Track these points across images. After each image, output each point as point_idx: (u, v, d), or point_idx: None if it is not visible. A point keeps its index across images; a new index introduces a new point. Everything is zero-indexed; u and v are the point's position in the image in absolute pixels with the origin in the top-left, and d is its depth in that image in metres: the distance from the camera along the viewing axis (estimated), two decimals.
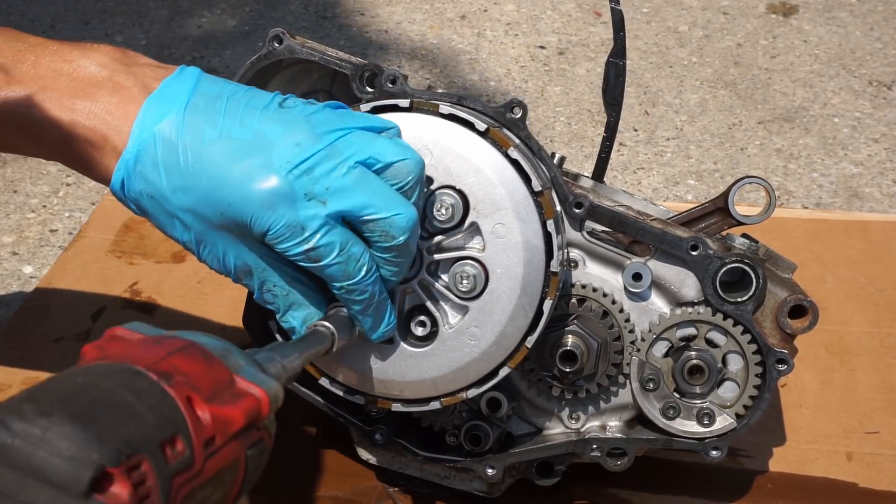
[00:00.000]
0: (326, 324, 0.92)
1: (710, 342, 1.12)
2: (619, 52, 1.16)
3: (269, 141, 0.88)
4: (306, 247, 0.88)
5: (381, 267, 0.93)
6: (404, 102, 1.02)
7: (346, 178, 0.88)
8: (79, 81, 0.93)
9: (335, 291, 0.93)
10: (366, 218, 0.89)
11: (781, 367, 1.11)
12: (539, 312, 1.02)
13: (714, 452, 1.14)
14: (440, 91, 1.08)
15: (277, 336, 1.08)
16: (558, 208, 1.06)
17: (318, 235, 0.88)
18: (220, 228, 0.90)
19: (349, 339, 0.95)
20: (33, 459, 0.59)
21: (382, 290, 0.93)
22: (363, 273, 0.90)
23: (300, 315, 0.96)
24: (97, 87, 0.92)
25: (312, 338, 0.91)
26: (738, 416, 1.13)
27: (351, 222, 0.90)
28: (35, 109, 0.92)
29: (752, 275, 1.09)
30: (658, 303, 1.12)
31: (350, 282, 0.90)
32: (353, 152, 0.89)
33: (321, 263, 0.89)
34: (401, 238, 0.90)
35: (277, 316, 0.97)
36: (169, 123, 0.89)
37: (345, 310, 0.96)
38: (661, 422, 1.13)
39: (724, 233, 1.15)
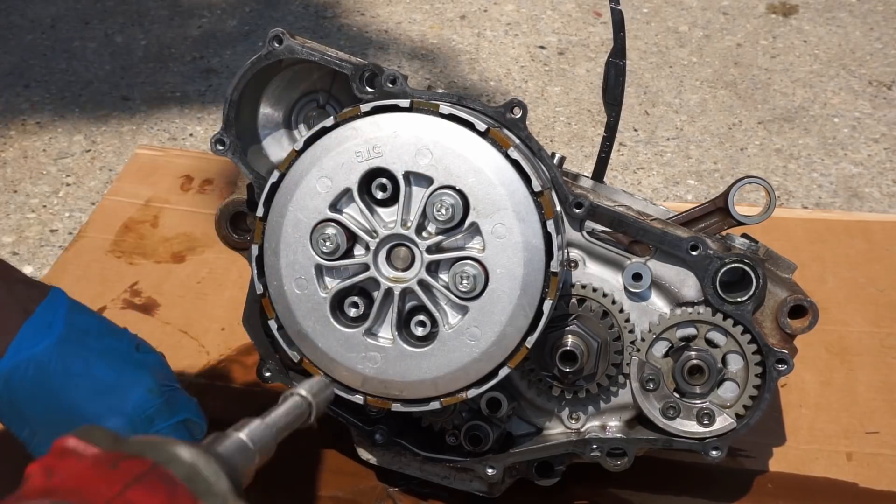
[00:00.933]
0: (303, 392, 0.83)
1: (710, 342, 1.12)
2: (619, 52, 1.16)
3: (124, 387, 1.02)
4: None
5: None
6: (404, 102, 1.02)
7: (171, 431, 1.03)
8: None
9: None
10: None
11: (781, 367, 1.10)
12: (539, 312, 1.02)
13: (714, 452, 1.14)
14: (440, 91, 1.07)
15: (277, 335, 1.08)
16: (558, 208, 1.06)
17: None
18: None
19: (326, 406, 0.87)
20: None
21: None
22: None
23: None
24: None
25: (289, 411, 0.83)
26: (738, 416, 1.13)
27: None
28: None
29: (752, 275, 1.08)
30: (658, 303, 1.12)
31: None
32: (179, 409, 1.05)
33: None
34: None
35: None
36: (44, 351, 1.01)
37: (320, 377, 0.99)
38: (661, 422, 1.13)
39: (724, 233, 1.15)
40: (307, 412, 0.82)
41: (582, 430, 1.16)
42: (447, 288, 1.02)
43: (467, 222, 1.00)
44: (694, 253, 1.09)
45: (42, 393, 1.01)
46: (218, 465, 0.67)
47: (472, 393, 1.05)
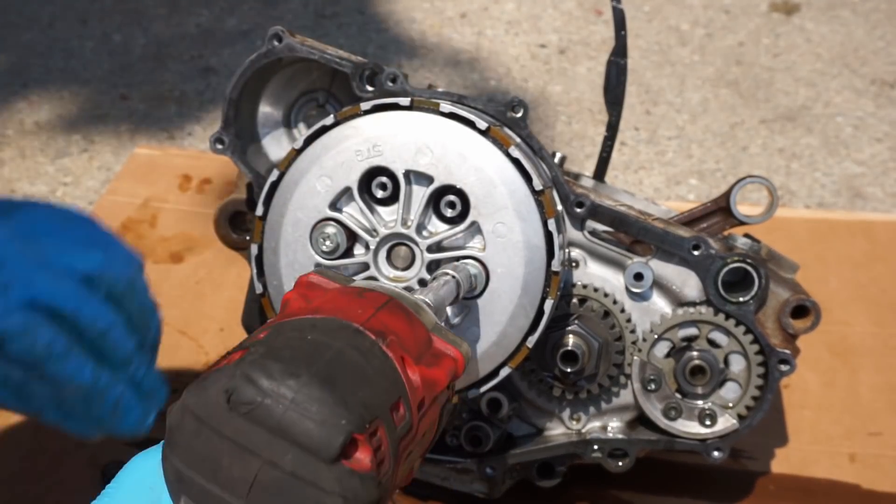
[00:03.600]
0: (450, 272, 0.93)
1: (712, 342, 1.11)
2: (620, 50, 1.15)
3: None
4: None
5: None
6: (405, 101, 1.02)
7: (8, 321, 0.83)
8: None
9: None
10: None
11: (784, 368, 1.10)
12: (540, 312, 1.01)
13: (716, 453, 1.13)
14: (441, 90, 1.07)
15: None
16: (559, 207, 1.06)
17: None
18: None
19: (477, 292, 0.98)
20: (284, 420, 0.60)
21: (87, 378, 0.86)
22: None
23: (33, 403, 0.88)
24: None
25: (443, 285, 0.90)
26: (740, 416, 1.12)
27: None
28: None
29: (755, 275, 1.08)
30: (660, 303, 1.12)
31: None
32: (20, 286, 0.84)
33: None
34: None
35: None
36: None
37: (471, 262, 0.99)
38: (662, 422, 1.13)
39: (725, 233, 1.15)
40: (456, 288, 0.92)
41: (583, 430, 1.15)
42: None
43: (468, 221, 1.00)
44: (696, 253, 1.08)
45: None
46: (430, 308, 0.79)
47: (472, 393, 1.05)
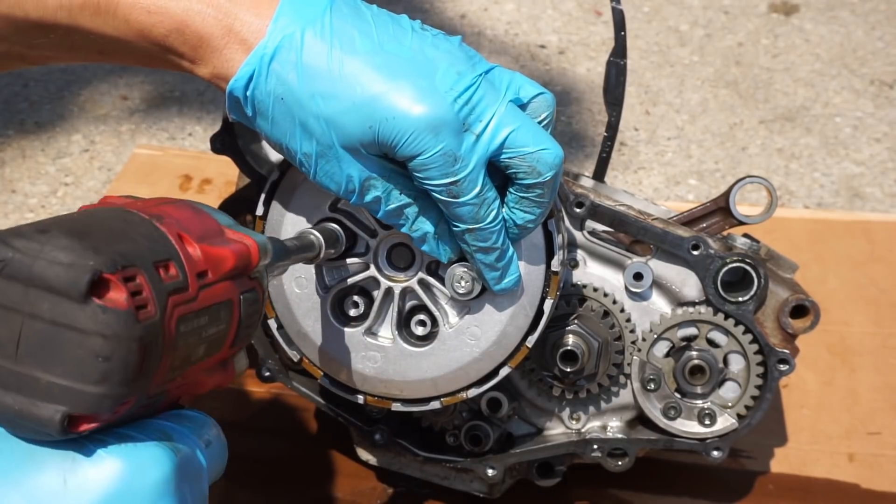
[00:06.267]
0: (315, 232, 0.94)
1: (711, 342, 1.12)
2: (619, 51, 1.16)
3: (432, 64, 0.86)
4: (451, 179, 0.86)
5: (519, 211, 0.92)
6: None
7: (500, 113, 0.87)
8: None
9: (457, 232, 0.92)
10: (514, 153, 0.88)
11: (783, 368, 1.10)
12: (540, 312, 1.02)
13: (715, 453, 1.13)
14: None
15: (277, 335, 1.07)
16: (559, 207, 1.06)
17: (468, 170, 0.86)
18: (350, 144, 0.87)
19: (335, 253, 0.98)
20: (33, 270, 0.62)
21: (506, 241, 0.93)
22: (491, 219, 0.90)
23: (430, 219, 0.93)
24: None
25: (302, 241, 0.92)
26: (739, 416, 1.13)
27: (493, 162, 0.89)
28: None
29: (754, 274, 1.08)
30: (659, 302, 1.12)
31: (477, 225, 0.90)
32: (505, 87, 0.88)
33: (458, 200, 0.88)
34: (548, 174, 0.89)
35: (404, 228, 0.94)
36: (315, 24, 0.85)
37: (333, 224, 0.98)
38: (662, 422, 1.13)
39: (725, 233, 1.15)
40: (317, 250, 0.93)
41: (582, 430, 1.16)
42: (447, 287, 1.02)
43: None
44: (695, 252, 1.08)
45: (323, 80, 0.84)
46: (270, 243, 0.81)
47: (472, 393, 1.05)
